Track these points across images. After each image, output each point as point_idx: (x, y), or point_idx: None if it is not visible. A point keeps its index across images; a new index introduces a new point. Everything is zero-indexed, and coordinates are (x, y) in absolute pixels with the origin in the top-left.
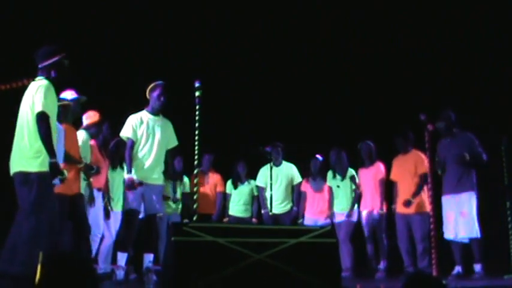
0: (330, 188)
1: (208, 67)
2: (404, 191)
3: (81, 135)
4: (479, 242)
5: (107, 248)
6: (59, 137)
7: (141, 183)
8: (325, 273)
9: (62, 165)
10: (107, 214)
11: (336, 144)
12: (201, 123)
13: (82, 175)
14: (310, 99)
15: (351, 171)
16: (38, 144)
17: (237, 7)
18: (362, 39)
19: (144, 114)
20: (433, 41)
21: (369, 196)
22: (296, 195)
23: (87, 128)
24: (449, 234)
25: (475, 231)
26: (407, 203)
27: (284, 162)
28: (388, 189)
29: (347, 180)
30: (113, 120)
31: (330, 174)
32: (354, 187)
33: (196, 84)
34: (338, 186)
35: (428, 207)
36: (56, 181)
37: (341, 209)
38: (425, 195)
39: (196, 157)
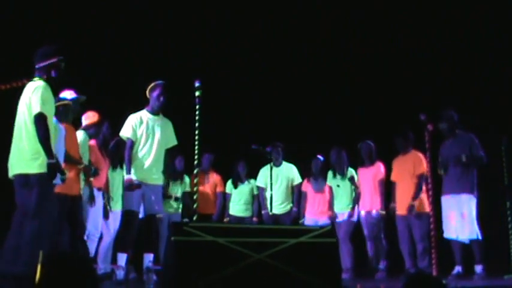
0: (330, 188)
1: (208, 67)
2: (403, 191)
3: (80, 135)
4: (479, 244)
5: (105, 248)
6: (60, 137)
7: (139, 186)
8: (325, 273)
9: (62, 165)
10: (106, 214)
11: (337, 144)
12: (201, 123)
13: (81, 175)
14: (310, 99)
15: (351, 171)
16: (37, 145)
17: (237, 7)
18: (362, 39)
19: (144, 114)
20: (433, 41)
21: (368, 196)
22: (296, 195)
23: (86, 129)
24: (450, 233)
25: (475, 233)
26: (410, 209)
27: (284, 163)
28: (387, 189)
29: (347, 180)
30: (113, 120)
31: (330, 173)
32: (353, 188)
33: (196, 84)
34: (338, 186)
35: (427, 208)
36: (58, 181)
37: (340, 208)
38: (424, 196)
39: (196, 157)
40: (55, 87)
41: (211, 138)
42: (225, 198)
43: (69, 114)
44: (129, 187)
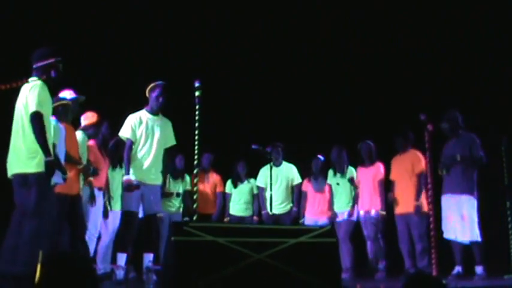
0: (330, 187)
1: (208, 67)
2: (402, 190)
3: (78, 135)
4: (480, 245)
5: (104, 248)
6: (60, 137)
7: (138, 186)
8: (325, 273)
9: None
10: (106, 213)
11: (337, 143)
12: (201, 123)
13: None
14: (310, 99)
15: (351, 170)
16: (34, 144)
17: (237, 7)
18: (362, 39)
19: (144, 114)
20: (433, 41)
21: (367, 196)
22: (296, 195)
23: (85, 129)
24: (449, 234)
25: (475, 234)
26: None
27: (284, 163)
28: (387, 188)
29: (346, 179)
30: (113, 120)
31: (330, 172)
32: (352, 187)
33: (196, 84)
34: (338, 184)
35: (426, 207)
36: (60, 180)
37: (340, 207)
38: (423, 195)
39: (196, 157)
40: (54, 88)
41: (211, 138)
42: (225, 198)
43: (68, 114)
44: (128, 188)
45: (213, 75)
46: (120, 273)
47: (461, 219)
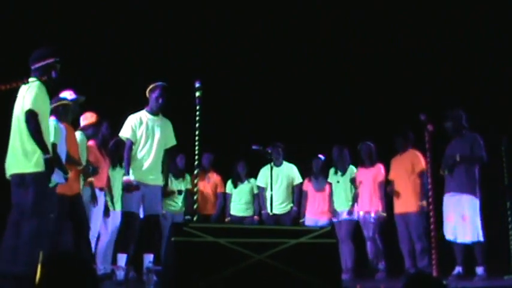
0: (331, 185)
1: (208, 67)
2: (401, 190)
3: (77, 136)
4: (482, 246)
5: (104, 248)
6: (61, 137)
7: (137, 187)
8: (326, 273)
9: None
10: (107, 212)
11: (337, 143)
12: (201, 124)
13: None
14: (310, 99)
15: (352, 171)
16: (30, 144)
17: (237, 7)
18: (362, 39)
19: (144, 115)
20: (433, 41)
21: (367, 197)
22: (297, 195)
23: (84, 129)
24: (447, 235)
25: (478, 235)
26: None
27: (285, 163)
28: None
29: (347, 177)
30: (113, 120)
31: (331, 170)
32: (353, 187)
33: (197, 85)
34: (338, 182)
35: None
36: (61, 180)
37: (339, 205)
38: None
39: (196, 157)
40: (54, 88)
41: (211, 138)
42: (225, 198)
43: (68, 115)
44: (128, 188)
45: (213, 76)
46: (120, 274)
47: (462, 220)
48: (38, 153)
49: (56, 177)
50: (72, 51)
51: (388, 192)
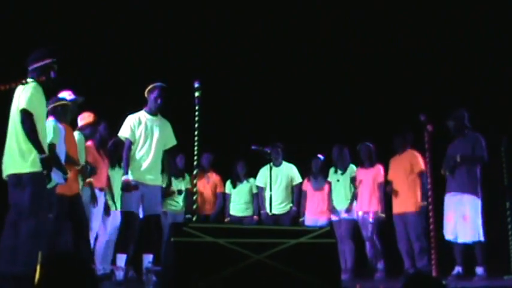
0: (330, 184)
1: (208, 67)
2: (400, 190)
3: (76, 136)
4: (482, 246)
5: (102, 248)
6: (60, 137)
7: (136, 186)
8: (325, 273)
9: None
10: (107, 211)
11: (337, 143)
12: (200, 124)
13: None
14: (310, 99)
15: (352, 169)
16: (27, 144)
17: (237, 7)
18: (362, 39)
19: (143, 115)
20: (433, 41)
21: (366, 197)
22: (296, 195)
23: (82, 129)
24: (448, 235)
25: (478, 234)
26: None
27: (284, 163)
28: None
29: (347, 175)
30: (112, 120)
31: (331, 170)
32: (352, 186)
33: (196, 85)
34: (338, 181)
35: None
36: (61, 180)
37: (338, 204)
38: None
39: (195, 157)
40: (52, 88)
41: (211, 138)
42: (225, 198)
43: (67, 115)
44: (127, 188)
45: (213, 76)
46: (119, 274)
47: (462, 220)
48: (34, 153)
49: (56, 177)
50: (72, 51)
51: (387, 191)
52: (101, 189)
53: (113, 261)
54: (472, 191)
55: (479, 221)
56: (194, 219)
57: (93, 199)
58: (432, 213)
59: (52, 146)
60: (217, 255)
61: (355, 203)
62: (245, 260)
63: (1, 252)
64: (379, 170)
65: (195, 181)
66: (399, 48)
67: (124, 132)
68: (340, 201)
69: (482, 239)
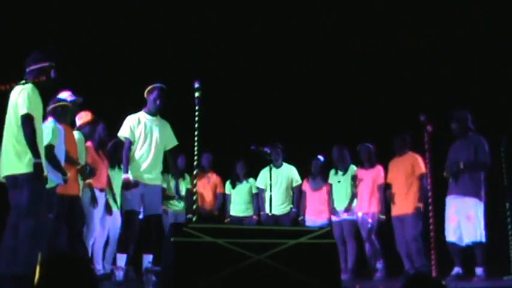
0: (330, 186)
1: (208, 67)
2: (399, 192)
3: (76, 135)
4: (483, 247)
5: (100, 248)
6: (60, 138)
7: (136, 184)
8: (325, 273)
9: (63, 165)
10: (109, 210)
11: (337, 143)
12: (200, 124)
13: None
14: (310, 99)
15: (353, 169)
16: (23, 145)
17: (237, 7)
18: (362, 39)
19: (142, 115)
20: (433, 41)
21: (366, 198)
22: (296, 196)
23: (81, 128)
24: (450, 237)
25: (480, 235)
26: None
27: (284, 164)
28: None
29: (348, 176)
30: (112, 120)
31: (332, 171)
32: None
33: (196, 85)
34: (339, 182)
35: (422, 208)
36: (60, 181)
37: (339, 204)
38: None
39: (195, 157)
40: (53, 89)
41: (211, 138)
42: (225, 199)
43: (67, 116)
44: (127, 186)
45: (213, 76)
46: (119, 274)
47: (466, 219)
48: (30, 153)
49: (54, 178)
50: (71, 52)
51: (387, 197)
52: (101, 190)
53: (113, 261)
54: (474, 194)
55: (482, 223)
56: (194, 219)
57: (93, 200)
58: (432, 213)
59: (51, 147)
60: (216, 256)
61: (355, 202)
62: (245, 260)
63: (1, 252)
64: (379, 171)
65: (195, 181)
66: (399, 48)
67: (124, 132)
68: (342, 202)
69: (483, 239)
